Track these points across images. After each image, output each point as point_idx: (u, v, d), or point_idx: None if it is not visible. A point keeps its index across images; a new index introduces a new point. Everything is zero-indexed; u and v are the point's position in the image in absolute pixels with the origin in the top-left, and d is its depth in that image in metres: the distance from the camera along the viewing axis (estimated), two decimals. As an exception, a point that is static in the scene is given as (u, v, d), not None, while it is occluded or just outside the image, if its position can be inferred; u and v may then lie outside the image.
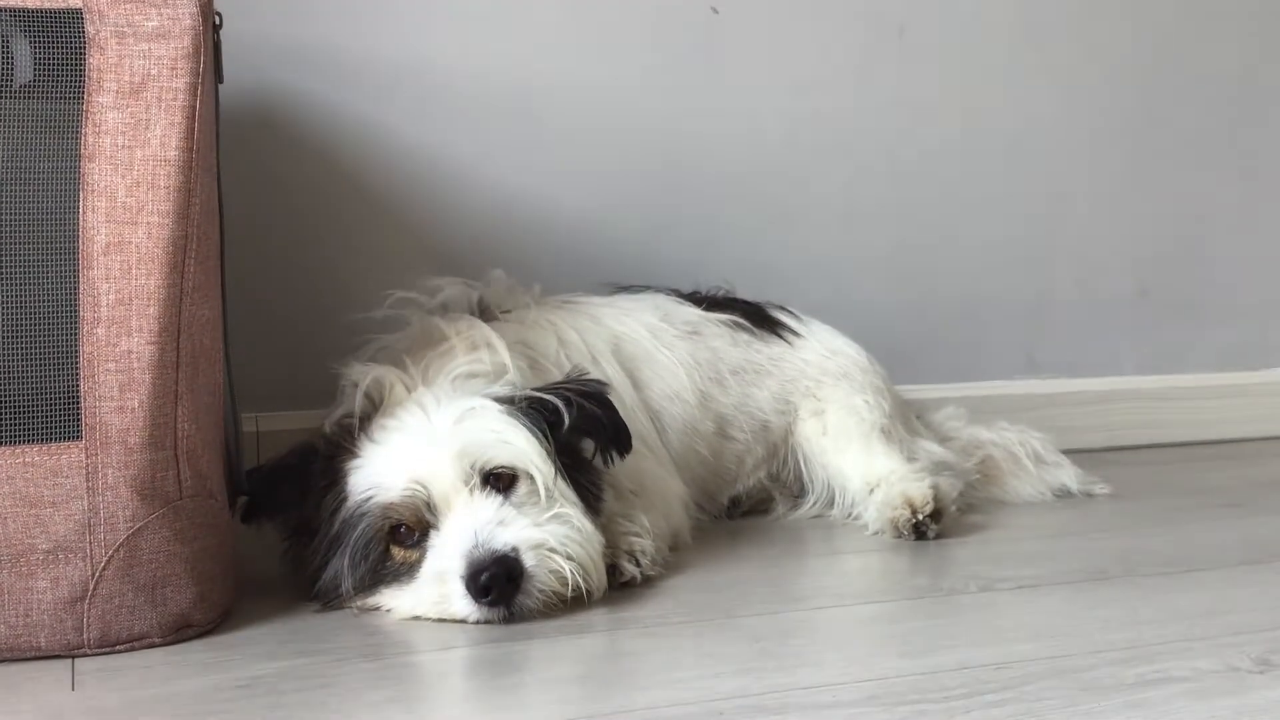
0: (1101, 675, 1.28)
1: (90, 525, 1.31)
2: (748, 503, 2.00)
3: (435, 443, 1.48)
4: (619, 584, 1.56)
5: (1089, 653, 1.34)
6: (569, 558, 1.46)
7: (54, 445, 1.30)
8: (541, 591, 1.45)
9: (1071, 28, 2.50)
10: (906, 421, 2.07)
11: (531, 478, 1.50)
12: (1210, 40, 2.61)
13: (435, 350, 1.64)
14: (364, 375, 1.58)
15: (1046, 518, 2.01)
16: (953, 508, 1.89)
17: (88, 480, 1.31)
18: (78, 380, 1.31)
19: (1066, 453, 2.20)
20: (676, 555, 1.71)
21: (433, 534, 1.47)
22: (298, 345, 2.00)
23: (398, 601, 1.48)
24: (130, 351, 1.32)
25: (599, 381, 1.63)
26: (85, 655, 1.33)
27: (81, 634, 1.32)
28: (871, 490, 1.91)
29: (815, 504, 1.98)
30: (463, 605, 1.44)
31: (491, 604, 1.42)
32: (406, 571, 1.48)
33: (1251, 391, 2.70)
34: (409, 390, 1.57)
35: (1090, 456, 2.30)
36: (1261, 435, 2.69)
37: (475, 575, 1.42)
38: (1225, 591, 1.58)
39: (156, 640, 1.36)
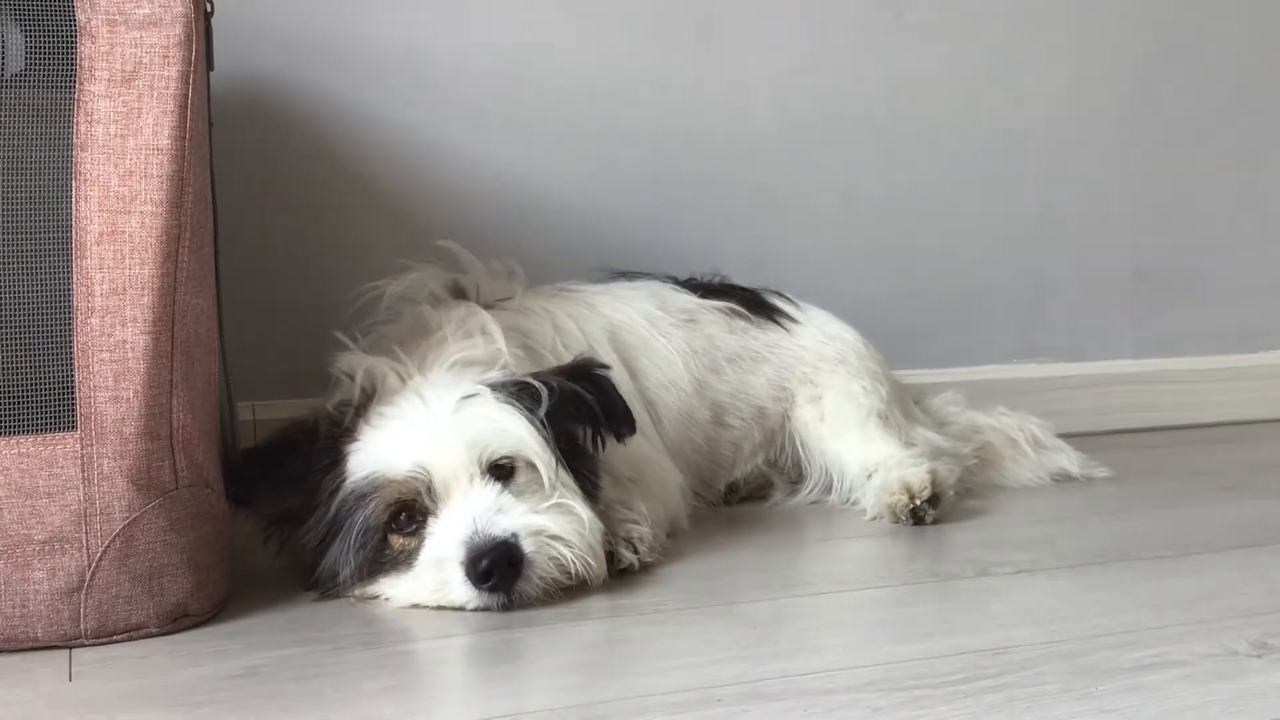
0: (1099, 660, 1.28)
1: (86, 515, 1.31)
2: (745, 488, 1.99)
3: (438, 430, 1.48)
4: (617, 571, 1.55)
5: (1086, 637, 1.34)
6: (569, 545, 1.46)
7: (49, 435, 1.30)
8: (541, 578, 1.44)
9: (1071, 9, 2.49)
10: (904, 407, 2.07)
11: (531, 466, 1.50)
12: (1210, 23, 2.60)
13: (430, 339, 1.63)
14: (358, 365, 1.58)
15: (1044, 502, 2.01)
16: (950, 492, 1.88)
17: (83, 470, 1.31)
18: (72, 370, 1.31)
19: (1064, 437, 2.19)
20: (674, 542, 1.71)
21: (431, 521, 1.47)
22: (294, 333, 1.99)
23: (396, 589, 1.48)
24: (125, 341, 1.31)
25: (600, 364, 1.63)
26: (82, 645, 1.33)
27: (78, 624, 1.32)
28: (869, 475, 1.91)
29: (813, 490, 1.98)
30: (462, 592, 1.43)
31: (491, 590, 1.42)
32: (405, 559, 1.48)
33: (1250, 374, 2.70)
34: (403, 379, 1.57)
35: (1088, 440, 2.29)
36: (1260, 418, 2.68)
37: (475, 561, 1.41)
38: (1223, 575, 1.58)
39: (154, 630, 1.36)
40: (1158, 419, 2.61)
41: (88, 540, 1.31)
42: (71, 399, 1.31)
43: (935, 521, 1.83)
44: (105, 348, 1.31)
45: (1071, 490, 2.09)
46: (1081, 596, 1.49)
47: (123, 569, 1.33)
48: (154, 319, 1.32)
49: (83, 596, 1.32)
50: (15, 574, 1.30)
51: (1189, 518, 1.89)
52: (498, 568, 1.41)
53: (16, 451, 1.29)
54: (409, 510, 1.47)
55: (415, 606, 1.46)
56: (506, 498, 1.46)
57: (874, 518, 1.86)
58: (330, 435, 1.52)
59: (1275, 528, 1.83)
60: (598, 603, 1.47)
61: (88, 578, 1.32)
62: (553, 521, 1.46)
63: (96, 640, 1.33)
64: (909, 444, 1.95)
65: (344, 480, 1.48)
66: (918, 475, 1.84)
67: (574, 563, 1.46)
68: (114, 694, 1.21)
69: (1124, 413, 2.58)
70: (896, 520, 1.83)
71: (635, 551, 1.57)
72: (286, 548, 1.54)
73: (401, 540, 1.48)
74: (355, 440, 1.51)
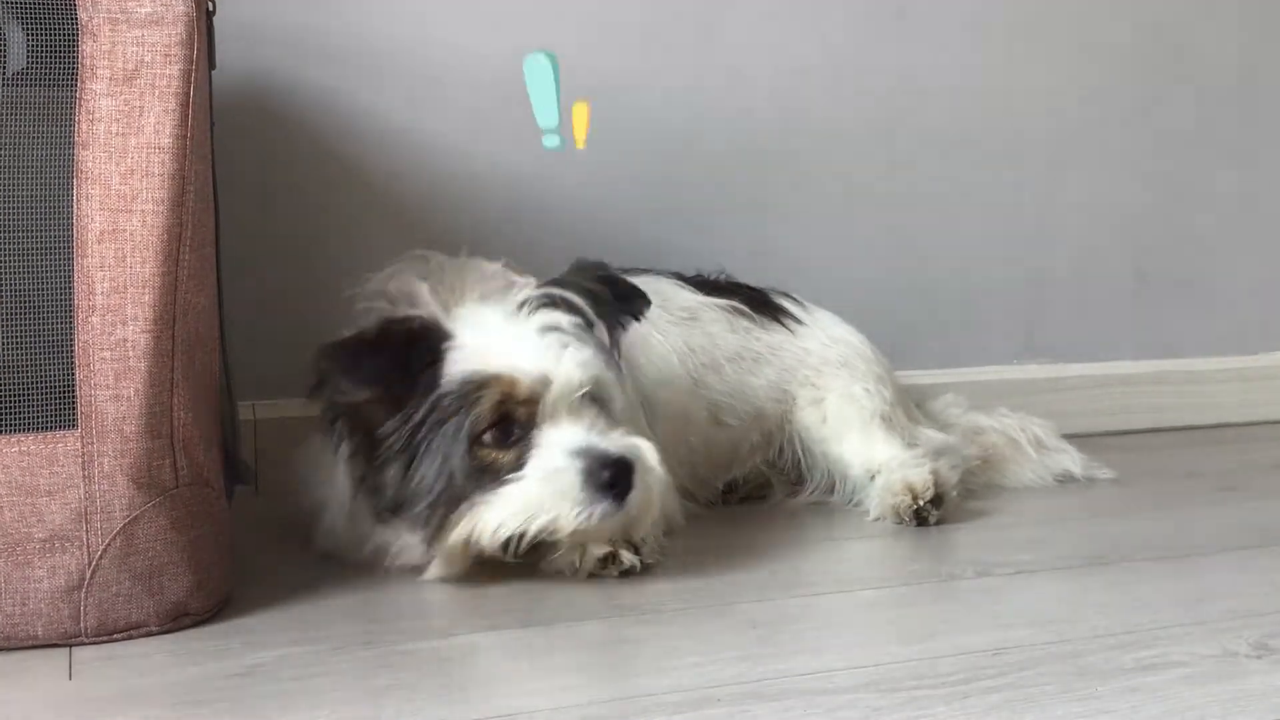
0: (1099, 660, 1.28)
1: (87, 514, 1.31)
2: (745, 488, 1.99)
3: (550, 344, 1.49)
4: (619, 572, 1.55)
5: (1086, 638, 1.34)
6: (657, 479, 1.51)
7: (50, 434, 1.30)
8: (640, 499, 1.49)
9: (1071, 12, 2.49)
10: (907, 409, 2.07)
11: (596, 400, 1.52)
12: (1210, 25, 2.60)
13: (444, 282, 1.61)
14: (401, 288, 1.58)
15: (1045, 503, 2.01)
16: (953, 493, 1.88)
17: (84, 469, 1.31)
18: (73, 369, 1.31)
19: (1064, 438, 2.19)
20: (674, 542, 1.70)
21: (534, 434, 1.47)
22: (296, 332, 1.97)
23: (489, 511, 1.45)
24: (126, 340, 1.31)
25: (599, 264, 1.65)
26: (83, 644, 1.33)
27: (79, 623, 1.32)
28: (872, 477, 1.90)
29: (815, 491, 1.98)
30: (578, 500, 1.44)
31: (616, 496, 1.45)
32: (494, 473, 1.46)
33: (1250, 375, 2.70)
34: (447, 307, 1.55)
35: (1088, 441, 2.29)
36: (1260, 419, 2.68)
37: (597, 470, 1.44)
38: (1223, 576, 1.58)
39: (154, 629, 1.36)
40: (1158, 420, 2.61)
41: (88, 538, 1.31)
42: (72, 397, 1.31)
43: (939, 522, 1.83)
44: (106, 346, 1.31)
45: (1071, 491, 2.09)
46: (1082, 597, 1.49)
47: (123, 567, 1.33)
48: (155, 317, 1.32)
49: (83, 595, 1.32)
50: (15, 572, 1.30)
51: (1190, 519, 1.89)
52: (622, 477, 1.45)
53: (17, 449, 1.29)
54: (510, 420, 1.47)
55: (505, 541, 1.46)
56: (601, 424, 1.50)
57: (877, 518, 1.86)
58: (432, 336, 1.49)
59: (1275, 529, 1.83)
60: (597, 603, 1.47)
61: (88, 576, 1.32)
62: (644, 449, 1.50)
63: (96, 639, 1.33)
64: (912, 445, 1.95)
65: (441, 380, 1.46)
66: (920, 476, 1.84)
67: (658, 495, 1.52)
68: (114, 693, 1.21)
69: (1124, 414, 2.58)
70: (900, 521, 1.83)
71: (637, 553, 1.57)
72: (347, 443, 1.51)
73: (495, 454, 1.47)
74: (452, 341, 1.49)
